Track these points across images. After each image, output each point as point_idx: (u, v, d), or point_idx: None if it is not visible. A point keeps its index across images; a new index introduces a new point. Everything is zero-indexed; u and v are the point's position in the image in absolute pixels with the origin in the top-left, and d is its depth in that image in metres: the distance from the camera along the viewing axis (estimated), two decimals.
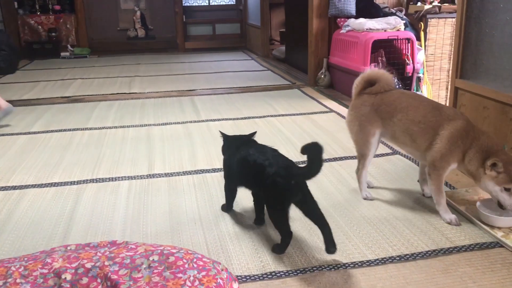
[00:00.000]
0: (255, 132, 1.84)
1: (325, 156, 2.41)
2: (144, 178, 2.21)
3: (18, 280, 0.91)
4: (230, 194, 1.85)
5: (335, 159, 2.38)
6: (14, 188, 2.11)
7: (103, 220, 1.80)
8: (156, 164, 2.38)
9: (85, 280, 0.94)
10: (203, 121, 3.15)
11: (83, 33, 6.87)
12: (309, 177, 1.52)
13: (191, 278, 0.94)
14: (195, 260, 1.00)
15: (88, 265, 0.95)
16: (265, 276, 1.42)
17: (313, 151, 1.48)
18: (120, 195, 2.02)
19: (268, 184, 1.53)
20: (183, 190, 2.07)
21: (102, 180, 2.19)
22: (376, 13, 3.88)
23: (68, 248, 1.08)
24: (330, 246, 1.51)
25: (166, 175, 2.24)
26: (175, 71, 5.35)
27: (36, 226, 1.76)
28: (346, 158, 2.39)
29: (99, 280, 0.93)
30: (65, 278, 0.93)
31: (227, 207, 1.87)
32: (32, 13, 6.67)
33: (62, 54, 6.51)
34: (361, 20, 3.67)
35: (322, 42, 4.12)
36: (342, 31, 3.84)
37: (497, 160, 1.56)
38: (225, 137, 1.83)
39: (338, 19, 3.97)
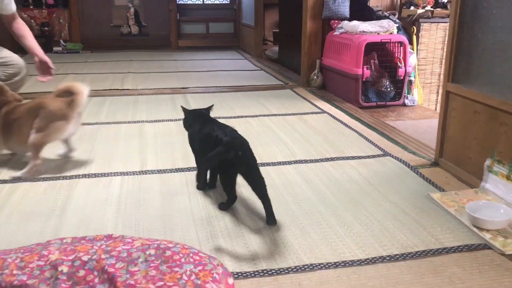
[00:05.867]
0: (212, 106, 2.13)
1: (316, 156, 2.44)
2: (137, 174, 2.21)
3: (14, 272, 0.92)
4: (202, 170, 2.04)
5: (326, 160, 2.40)
6: (5, 181, 2.10)
7: (95, 215, 1.80)
8: (149, 161, 2.38)
9: (82, 273, 0.94)
10: None
11: (76, 28, 6.83)
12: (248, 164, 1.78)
13: (188, 272, 0.95)
14: (191, 254, 1.01)
15: (85, 258, 0.95)
16: (256, 273, 1.43)
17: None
18: (113, 191, 2.02)
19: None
20: (175, 187, 2.07)
21: (95, 175, 2.18)
22: (369, 16, 3.91)
23: (64, 241, 1.08)
24: (270, 220, 1.74)
25: (159, 171, 2.24)
26: (168, 68, 5.34)
27: (27, 220, 1.76)
28: (337, 158, 2.41)
29: (95, 273, 0.94)
30: (62, 270, 0.93)
31: (202, 184, 2.05)
32: (25, 6, 6.61)
33: (55, 49, 6.47)
34: (355, 22, 3.69)
35: (315, 44, 4.14)
36: (335, 33, 3.87)
37: None
38: (188, 111, 2.09)
39: (332, 21, 4.00)
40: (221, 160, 1.79)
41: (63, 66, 5.36)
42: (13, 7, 2.59)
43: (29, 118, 2.17)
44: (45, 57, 2.61)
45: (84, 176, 2.17)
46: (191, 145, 2.08)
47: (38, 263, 0.94)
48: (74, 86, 2.21)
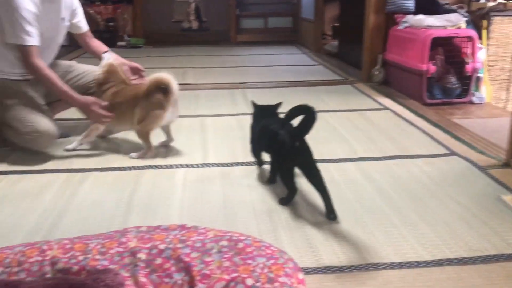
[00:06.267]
0: (280, 103, 2.13)
1: (379, 154, 2.38)
2: (199, 167, 2.25)
3: (97, 257, 0.97)
4: (256, 157, 2.17)
5: (389, 158, 2.34)
6: (77, 170, 2.21)
7: (160, 206, 1.85)
8: (210, 154, 2.42)
9: (159, 261, 0.98)
10: None
11: (139, 23, 7.04)
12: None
13: (261, 265, 0.96)
14: (263, 248, 1.02)
15: (161, 246, 0.99)
16: (319, 270, 1.43)
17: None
18: (176, 183, 2.07)
19: (277, 146, 1.84)
20: (236, 179, 2.10)
21: (159, 166, 2.25)
22: (436, 10, 3.76)
23: (140, 229, 1.13)
24: (330, 213, 1.74)
25: (220, 165, 2.28)
26: (227, 63, 5.39)
27: (97, 208, 1.84)
28: (401, 157, 2.35)
29: (172, 261, 0.97)
30: (140, 257, 0.97)
31: (258, 161, 2.19)
32: (92, 2, 6.89)
33: (119, 43, 6.70)
34: (420, 16, 3.58)
35: (378, 38, 4.04)
36: (399, 27, 3.76)
37: None
38: (255, 106, 2.19)
39: (396, 15, 3.89)
40: (278, 152, 1.84)
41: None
42: (84, 26, 2.64)
43: (131, 104, 2.36)
44: (134, 63, 2.71)
45: (150, 167, 2.24)
46: (250, 135, 2.16)
47: (118, 250, 0.99)
48: (163, 78, 2.34)
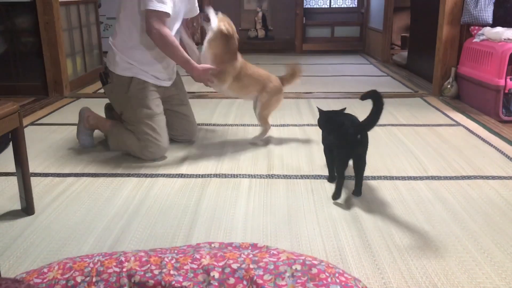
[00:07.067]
0: (344, 108, 2.16)
1: (451, 173, 2.28)
2: (264, 178, 2.25)
3: (171, 272, 0.98)
4: (328, 160, 2.20)
5: (462, 178, 2.23)
6: (146, 175, 2.28)
7: (225, 215, 1.87)
8: (275, 165, 2.42)
9: (232, 281, 0.98)
10: None
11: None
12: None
13: None
14: (337, 275, 1.00)
15: (234, 266, 0.99)
16: None
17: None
18: (241, 193, 2.08)
19: (339, 134, 1.97)
20: (301, 194, 2.08)
21: (225, 175, 2.27)
22: None
23: (212, 245, 1.14)
24: (357, 190, 2.03)
25: (285, 177, 2.27)
26: None
27: (165, 214, 1.88)
28: (475, 177, 2.23)
29: (245, 283, 0.96)
30: (214, 276, 0.98)
31: (329, 176, 2.22)
32: None
33: None
34: (499, 29, 3.40)
35: (451, 51, 3.89)
36: (475, 40, 3.60)
37: None
38: (322, 112, 2.17)
39: (471, 27, 3.72)
40: (343, 142, 1.96)
41: None
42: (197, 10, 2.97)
43: (256, 85, 2.76)
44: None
45: (216, 175, 2.27)
46: (322, 135, 2.19)
47: (192, 266, 1.00)
48: (296, 67, 2.98)
